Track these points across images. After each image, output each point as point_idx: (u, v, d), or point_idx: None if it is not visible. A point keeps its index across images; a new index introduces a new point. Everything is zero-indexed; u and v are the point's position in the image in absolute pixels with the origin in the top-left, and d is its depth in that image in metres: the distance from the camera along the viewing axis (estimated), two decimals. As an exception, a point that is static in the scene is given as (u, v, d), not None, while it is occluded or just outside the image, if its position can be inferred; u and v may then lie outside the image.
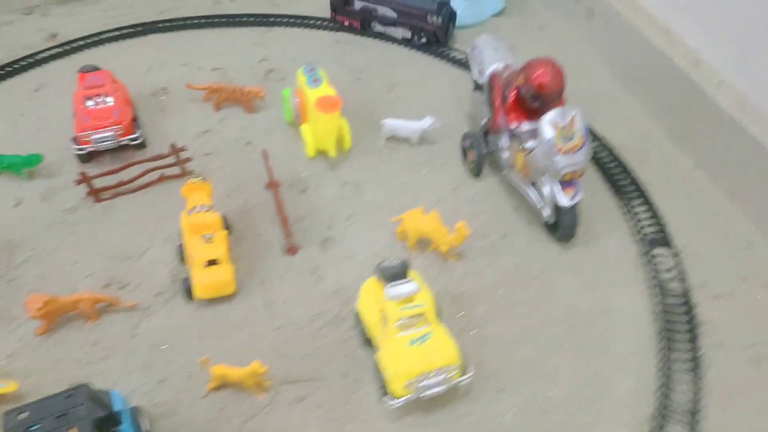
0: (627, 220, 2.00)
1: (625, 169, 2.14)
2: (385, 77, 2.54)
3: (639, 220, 1.98)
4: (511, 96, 1.90)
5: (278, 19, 2.80)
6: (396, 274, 1.58)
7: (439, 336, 1.54)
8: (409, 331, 1.54)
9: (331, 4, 2.74)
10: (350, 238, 1.96)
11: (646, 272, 1.85)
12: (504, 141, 1.98)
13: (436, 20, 2.55)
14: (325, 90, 2.11)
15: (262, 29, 2.78)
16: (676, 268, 1.85)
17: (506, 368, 1.65)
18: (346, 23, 2.74)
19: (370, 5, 2.63)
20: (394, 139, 2.26)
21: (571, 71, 2.21)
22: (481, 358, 1.66)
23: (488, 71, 2.05)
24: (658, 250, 1.90)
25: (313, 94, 2.10)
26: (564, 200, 1.81)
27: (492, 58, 2.07)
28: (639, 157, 2.20)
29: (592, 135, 2.25)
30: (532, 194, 1.94)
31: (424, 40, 2.63)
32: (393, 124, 2.22)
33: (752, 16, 1.87)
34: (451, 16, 2.64)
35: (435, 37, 2.60)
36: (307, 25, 2.79)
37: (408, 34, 2.66)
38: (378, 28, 2.71)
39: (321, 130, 2.12)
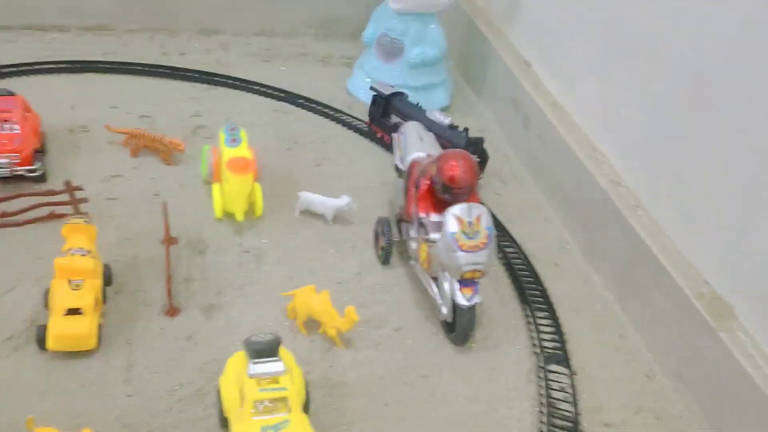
0: (529, 331, 1.92)
1: (536, 280, 2.08)
2: (316, 151, 2.50)
3: (540, 333, 1.90)
4: (424, 185, 1.85)
5: (221, 79, 2.77)
6: (264, 350, 1.45)
7: (296, 426, 1.39)
8: (265, 416, 1.40)
9: (369, 112, 2.60)
10: (238, 309, 1.84)
11: (538, 389, 1.75)
12: (414, 231, 1.92)
13: None
14: (242, 151, 2.05)
15: (204, 86, 2.75)
16: (570, 388, 1.76)
17: (370, 474, 1.50)
18: (379, 135, 2.57)
19: (402, 123, 2.31)
20: (308, 213, 2.19)
21: (502, 177, 2.20)
22: (346, 457, 1.52)
23: (409, 158, 2.02)
24: (555, 368, 1.81)
25: (228, 154, 2.03)
26: (462, 299, 1.73)
27: (416, 147, 2.04)
28: (553, 269, 2.15)
29: (511, 240, 2.21)
30: (433, 289, 1.86)
31: None
32: (309, 197, 2.15)
33: (673, 148, 1.89)
34: (482, 158, 2.33)
35: None
36: (249, 90, 2.76)
37: None
38: None
39: (230, 191, 2.03)
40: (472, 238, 1.71)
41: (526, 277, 2.09)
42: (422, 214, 1.85)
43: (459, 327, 1.77)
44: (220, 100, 2.69)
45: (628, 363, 1.88)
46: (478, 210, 1.72)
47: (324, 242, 2.11)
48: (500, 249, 2.18)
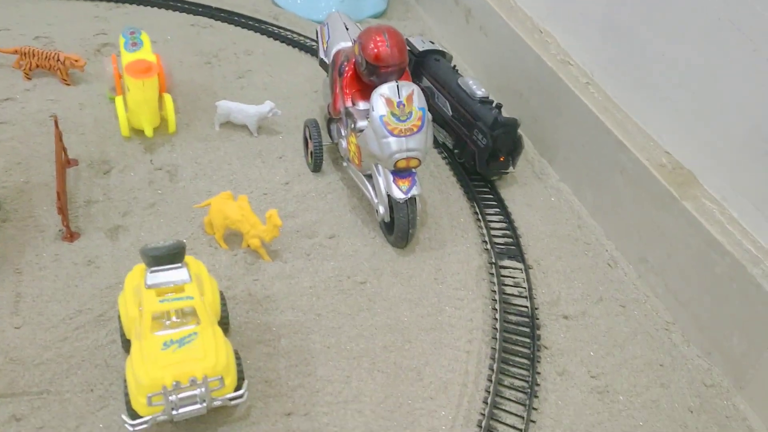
0: (478, 228, 1.74)
1: (490, 185, 1.89)
2: (238, 64, 2.25)
3: (491, 230, 1.72)
4: (348, 71, 1.63)
5: (130, -4, 2.49)
6: (163, 256, 1.24)
7: (206, 339, 1.19)
8: (168, 330, 1.20)
9: None
10: (146, 229, 1.62)
11: (489, 286, 1.58)
12: (344, 129, 1.70)
13: (480, 140, 1.78)
14: (143, 55, 1.80)
15: (110, 4, 2.46)
16: (525, 283, 1.59)
17: (300, 390, 1.31)
18: None
19: (435, 88, 1.97)
20: (231, 126, 1.96)
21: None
22: (271, 374, 1.33)
23: (334, 49, 1.79)
24: (507, 263, 1.63)
25: (127, 58, 1.78)
26: (397, 192, 1.53)
27: (340, 36, 1.81)
28: (503, 164, 1.96)
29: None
30: (368, 189, 1.66)
31: (461, 160, 1.90)
32: (228, 106, 1.92)
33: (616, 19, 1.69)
34: (513, 145, 1.81)
35: (473, 161, 1.83)
36: (162, 5, 2.49)
37: (450, 143, 1.95)
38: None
39: (133, 101, 1.78)
40: (403, 121, 1.50)
41: (474, 173, 1.89)
42: (348, 104, 1.63)
43: (397, 224, 1.57)
44: (129, 17, 2.41)
45: (586, 253, 1.71)
46: (408, 88, 1.51)
47: (248, 154, 1.88)
48: (440, 144, 1.99)
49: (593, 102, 1.75)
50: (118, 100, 1.82)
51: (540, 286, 1.60)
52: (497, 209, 1.79)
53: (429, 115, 1.55)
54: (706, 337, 1.47)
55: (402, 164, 1.52)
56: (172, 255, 1.25)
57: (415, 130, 1.50)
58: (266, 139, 1.95)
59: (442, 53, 2.03)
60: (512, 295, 1.55)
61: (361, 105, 1.60)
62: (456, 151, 1.90)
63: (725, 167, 1.43)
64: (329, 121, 1.83)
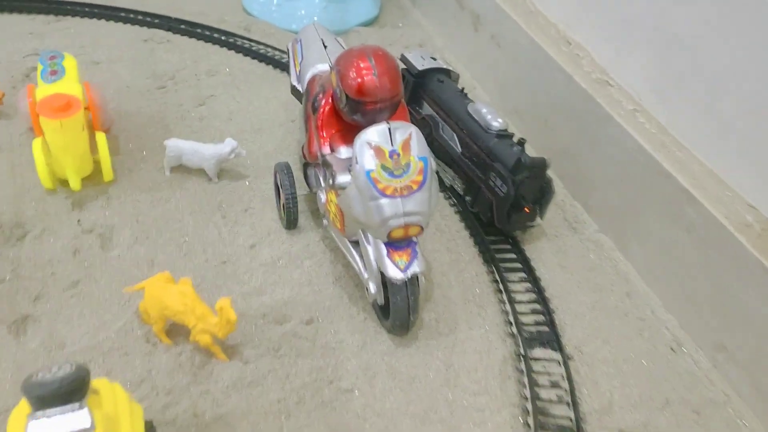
0: (500, 303, 1.35)
1: (512, 240, 1.50)
2: (199, 88, 1.86)
3: (516, 304, 1.33)
4: (324, 107, 1.24)
5: (73, 7, 2.10)
6: (50, 394, 0.85)
7: None
8: None
9: None
10: (64, 319, 1.23)
11: (518, 388, 1.19)
12: (322, 176, 1.32)
13: (499, 187, 1.38)
14: (63, 86, 1.41)
15: (48, 17, 2.07)
16: (564, 381, 1.20)
17: None
18: None
19: (440, 117, 1.57)
20: (184, 169, 1.57)
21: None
22: None
23: (308, 74, 1.40)
24: (540, 353, 1.24)
25: (43, 92, 1.40)
26: (393, 271, 1.14)
27: (316, 55, 1.42)
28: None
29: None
30: (355, 259, 1.27)
31: (475, 209, 1.50)
32: (179, 146, 1.53)
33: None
34: (541, 192, 1.41)
35: (490, 213, 1.43)
36: (111, 17, 2.10)
37: (460, 187, 1.54)
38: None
39: (53, 145, 1.40)
40: (398, 176, 1.11)
41: (491, 226, 1.50)
42: (325, 149, 1.24)
43: (394, 311, 1.19)
44: (70, 32, 2.02)
45: (641, 333, 1.31)
46: (405, 131, 1.12)
47: (205, 207, 1.49)
48: (447, 188, 1.59)
49: (643, 134, 1.36)
50: (36, 143, 1.43)
51: (584, 384, 1.21)
52: (522, 273, 1.40)
53: (433, 165, 1.16)
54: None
55: (398, 234, 1.13)
56: (67, 392, 0.87)
57: (415, 187, 1.11)
58: (229, 185, 1.56)
59: (447, 72, 1.64)
60: (549, 401, 1.16)
61: (343, 151, 1.21)
62: (467, 198, 1.51)
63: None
64: (306, 164, 1.43)
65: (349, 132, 1.20)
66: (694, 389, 1.22)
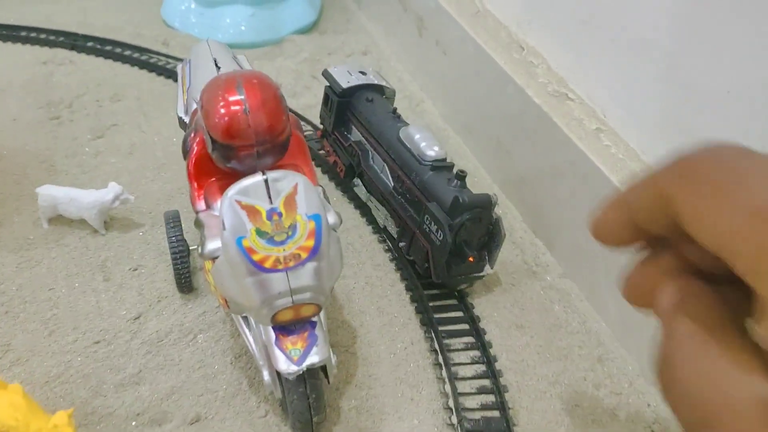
0: (438, 379, 1.08)
1: (457, 293, 1.23)
2: (99, 117, 1.59)
3: (458, 380, 1.06)
4: (195, 151, 0.98)
5: (-39, 28, 1.84)
6: None
7: None
8: None
9: (321, 115, 1.46)
10: None
11: (457, 504, 0.93)
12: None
13: (435, 232, 1.11)
14: None
15: (-71, 40, 1.81)
16: (518, 492, 0.94)
17: None
18: (330, 158, 1.46)
19: (369, 144, 1.32)
20: (65, 221, 1.30)
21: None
22: None
23: (193, 105, 1.13)
24: (487, 450, 0.98)
25: None
26: (284, 364, 0.87)
27: (205, 81, 1.15)
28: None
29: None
30: (249, 338, 1.00)
31: (410, 257, 1.23)
32: (52, 194, 1.26)
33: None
34: (488, 236, 1.14)
35: (426, 263, 1.16)
36: (8, 38, 1.83)
37: (393, 227, 1.27)
38: (363, 189, 1.38)
39: None
40: (280, 243, 0.84)
41: (430, 278, 1.24)
42: (199, 204, 0.98)
43: (292, 412, 0.92)
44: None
45: (616, 414, 1.05)
46: (288, 183, 0.85)
47: (85, 269, 1.23)
48: (381, 229, 1.32)
49: (609, 160, 1.09)
50: None
51: (543, 491, 0.95)
52: (469, 338, 1.13)
53: (333, 220, 0.89)
54: None
55: (285, 316, 0.86)
56: None
57: (305, 255, 0.84)
58: (118, 238, 1.29)
59: (379, 88, 1.37)
60: None
61: (218, 207, 0.94)
62: (402, 244, 1.24)
63: None
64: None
65: (229, 182, 0.93)
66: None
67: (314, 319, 0.90)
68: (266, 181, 0.84)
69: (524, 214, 1.35)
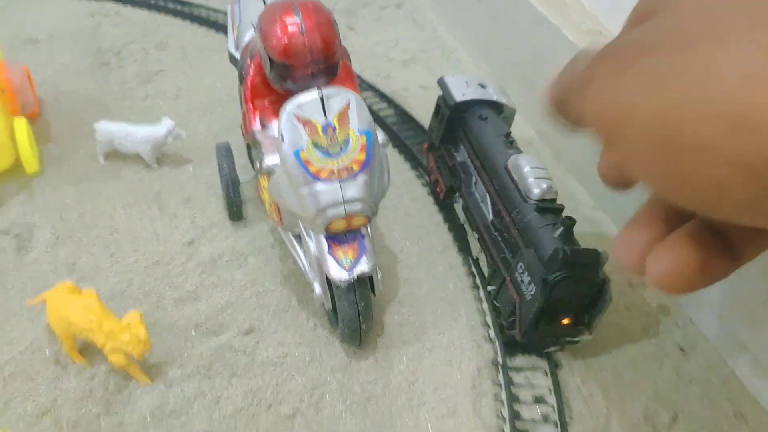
0: (476, 300, 1.14)
1: (486, 209, 1.29)
2: (146, 63, 1.66)
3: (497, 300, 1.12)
4: (251, 75, 1.04)
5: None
6: None
7: None
8: None
9: (430, 128, 1.32)
10: (-38, 338, 1.06)
11: (495, 407, 0.99)
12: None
13: (527, 287, 0.96)
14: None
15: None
16: (551, 395, 0.99)
17: None
18: (433, 178, 1.33)
19: (474, 168, 1.19)
20: (120, 157, 1.38)
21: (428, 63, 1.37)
22: None
23: (246, 38, 1.19)
24: (522, 361, 1.04)
25: (-61, 75, 1.21)
26: (336, 271, 0.94)
27: (255, 16, 1.20)
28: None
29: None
30: (299, 255, 1.07)
31: (497, 303, 1.07)
32: (109, 129, 1.33)
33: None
34: (590, 299, 0.97)
35: (512, 318, 1.01)
36: (54, -10, 1.91)
37: (486, 266, 1.15)
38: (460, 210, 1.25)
39: (-45, 137, 1.22)
40: (334, 155, 0.90)
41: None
42: (255, 125, 1.04)
43: (342, 318, 0.99)
44: (7, 10, 1.83)
45: (647, 331, 1.11)
46: (341, 99, 0.91)
47: (140, 199, 1.30)
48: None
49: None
50: (-58, 133, 1.25)
51: (577, 399, 1.00)
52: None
53: (381, 138, 0.95)
54: None
55: (339, 226, 0.92)
56: None
57: (357, 168, 0.91)
58: (169, 173, 1.37)
59: (496, 106, 1.22)
60: (533, 420, 0.96)
61: (275, 128, 1.01)
62: (491, 288, 1.09)
63: None
64: (248, 144, 1.23)
65: (282, 104, 0.99)
66: (733, 394, 1.01)
67: (363, 231, 0.96)
68: (321, 97, 0.90)
69: (559, 158, 1.40)
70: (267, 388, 1.00)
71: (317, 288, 1.01)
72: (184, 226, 1.25)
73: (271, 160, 0.95)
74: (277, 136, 0.99)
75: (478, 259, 1.18)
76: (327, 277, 0.98)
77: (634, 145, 0.32)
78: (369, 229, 0.98)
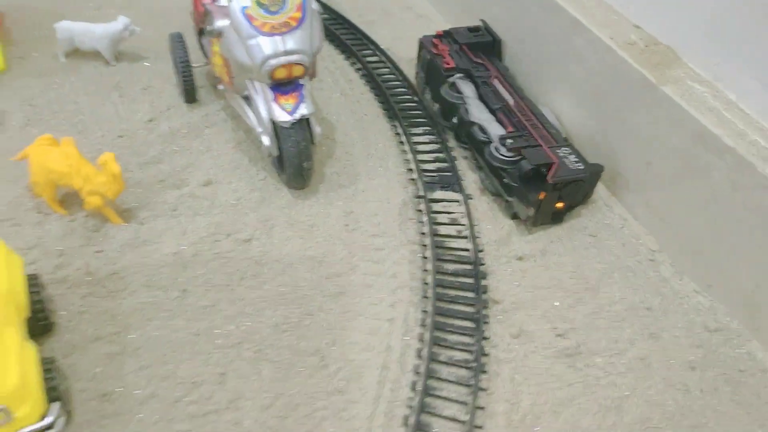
0: (402, 153, 1.34)
1: (408, 85, 1.48)
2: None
3: (419, 153, 1.33)
4: (198, -49, 1.20)
5: None
6: None
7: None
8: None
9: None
10: (-48, 197, 1.20)
11: (417, 228, 1.19)
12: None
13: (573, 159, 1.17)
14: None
15: None
16: (465, 219, 1.21)
17: (152, 401, 0.93)
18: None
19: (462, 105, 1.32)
20: (81, 55, 1.51)
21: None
22: (111, 384, 0.94)
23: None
24: (441, 194, 1.25)
25: None
26: (280, 114, 1.12)
27: None
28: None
29: (370, 43, 1.60)
30: (248, 115, 1.25)
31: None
32: (69, 27, 1.47)
33: None
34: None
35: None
36: None
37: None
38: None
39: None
40: (274, 12, 1.08)
41: (394, 85, 1.49)
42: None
43: (286, 157, 1.17)
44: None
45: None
46: (280, -34, 1.08)
47: (101, 88, 1.45)
48: (350, 47, 1.56)
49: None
50: None
51: (484, 220, 1.22)
52: (427, 127, 1.39)
53: (314, 3, 1.13)
54: (704, 266, 1.11)
55: (281, 74, 1.10)
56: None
57: (294, 24, 1.08)
58: (128, 67, 1.51)
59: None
60: (449, 236, 1.17)
61: (223, 0, 1.17)
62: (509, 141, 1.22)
63: (717, 35, 1.05)
64: (200, 33, 1.39)
65: (227, -21, 1.15)
66: (591, 216, 1.24)
67: (302, 81, 1.14)
68: (261, -38, 1.07)
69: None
70: (226, 223, 1.18)
71: (266, 139, 1.18)
72: (144, 108, 1.41)
73: (221, 23, 1.12)
74: (222, 5, 1.16)
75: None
76: (273, 128, 1.16)
77: None
78: (307, 81, 1.16)
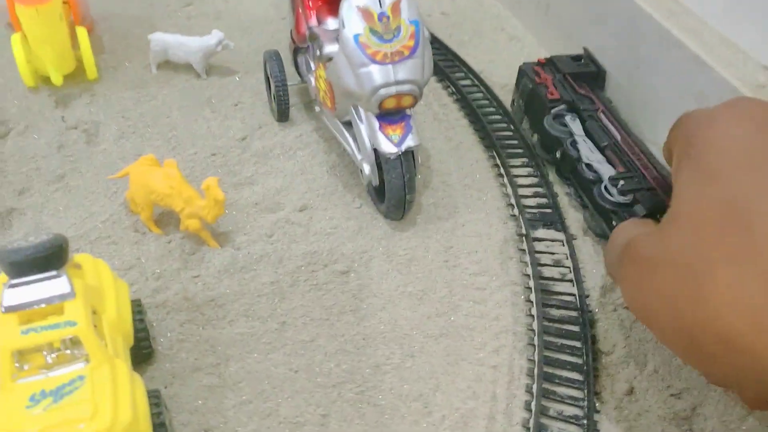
0: (500, 186, 1.30)
1: (505, 114, 1.44)
2: (186, -14, 1.78)
3: (519, 187, 1.27)
4: (308, -24, 1.17)
5: None
6: (27, 261, 0.82)
7: (98, 385, 0.78)
8: (38, 376, 0.79)
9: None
10: (50, 211, 1.19)
11: (520, 267, 1.14)
12: (311, 58, 1.25)
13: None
14: (37, -24, 1.34)
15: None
16: (568, 260, 1.15)
17: (255, 439, 0.91)
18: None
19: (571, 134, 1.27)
20: (171, 66, 1.51)
21: None
22: (213, 419, 0.92)
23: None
24: (543, 233, 1.20)
25: (15, -18, 1.33)
26: (386, 145, 1.09)
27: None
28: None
29: (466, 69, 1.56)
30: (348, 141, 1.22)
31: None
32: (164, 39, 1.46)
33: None
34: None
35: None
36: None
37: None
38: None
39: (33, 39, 1.34)
40: (388, 41, 1.04)
41: (489, 112, 1.44)
42: (312, 22, 1.18)
43: (389, 189, 1.13)
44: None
45: (650, 213, 1.27)
46: (395, -7, 1.05)
47: (193, 103, 1.44)
48: (442, 69, 1.54)
49: (652, 3, 1.28)
50: (15, 38, 1.37)
51: (589, 263, 1.16)
52: (525, 158, 1.34)
53: (426, 31, 1.09)
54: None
55: (390, 104, 1.07)
56: (44, 258, 0.83)
57: (407, 53, 1.05)
58: (218, 81, 1.50)
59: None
60: (552, 279, 1.12)
61: (330, 23, 1.15)
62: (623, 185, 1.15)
63: None
64: (295, 51, 1.37)
65: (335, 3, 1.12)
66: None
67: (409, 112, 1.11)
68: (377, -10, 1.04)
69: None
70: (322, 251, 1.15)
71: (366, 168, 1.15)
72: (236, 126, 1.39)
73: (330, 47, 1.08)
74: (330, 29, 1.13)
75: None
76: (375, 157, 1.13)
77: (659, 335, 0.73)
78: (414, 112, 1.12)
